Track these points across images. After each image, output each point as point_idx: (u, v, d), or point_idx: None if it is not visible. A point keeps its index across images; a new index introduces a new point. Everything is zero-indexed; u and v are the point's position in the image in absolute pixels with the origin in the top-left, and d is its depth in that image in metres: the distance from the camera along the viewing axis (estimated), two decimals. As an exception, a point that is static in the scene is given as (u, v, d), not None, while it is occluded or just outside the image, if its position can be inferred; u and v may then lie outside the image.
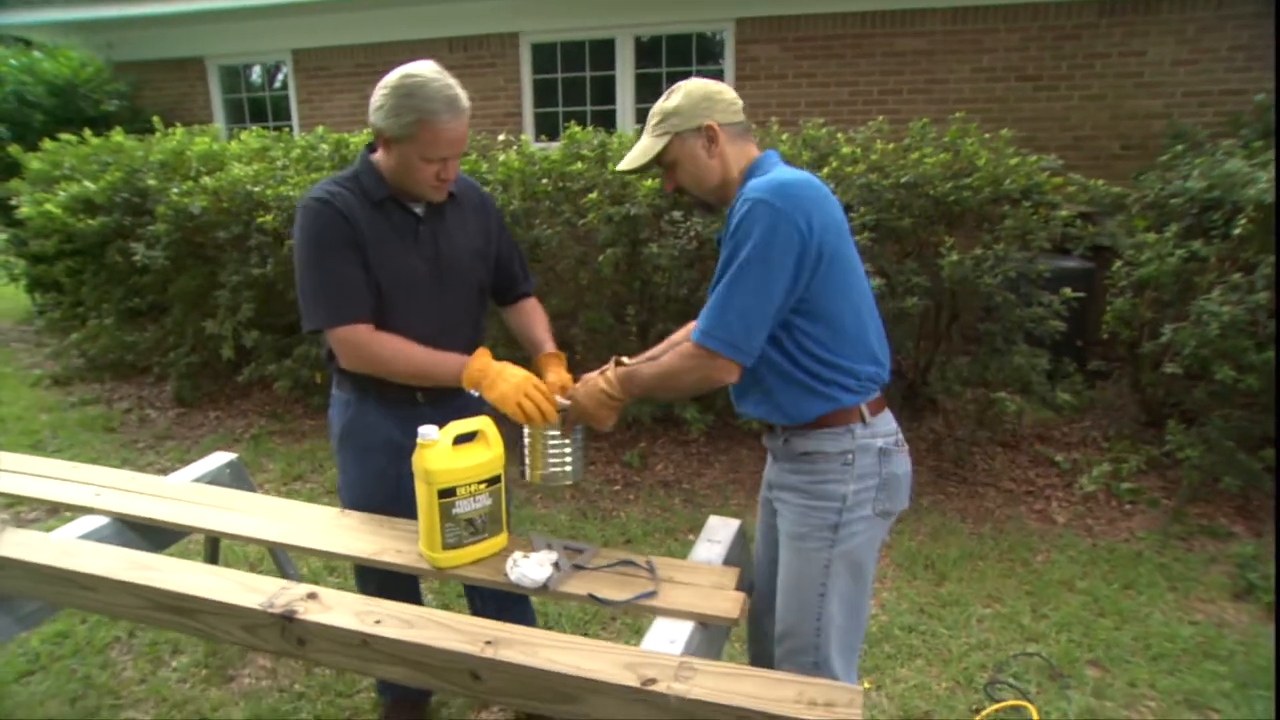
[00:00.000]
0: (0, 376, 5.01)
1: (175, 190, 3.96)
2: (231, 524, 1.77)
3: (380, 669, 1.29)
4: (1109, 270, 3.79)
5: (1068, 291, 3.25)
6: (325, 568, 2.89)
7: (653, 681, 1.14)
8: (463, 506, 1.56)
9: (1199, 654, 2.42)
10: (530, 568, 1.53)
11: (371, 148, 1.74)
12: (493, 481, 1.59)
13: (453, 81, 1.64)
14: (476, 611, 2.06)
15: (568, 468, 1.66)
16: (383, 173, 1.71)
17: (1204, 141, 4.31)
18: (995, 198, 3.29)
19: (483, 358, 1.65)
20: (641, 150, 1.56)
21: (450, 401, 1.76)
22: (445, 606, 2.52)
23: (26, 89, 6.10)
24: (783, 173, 1.44)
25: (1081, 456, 3.72)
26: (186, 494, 1.92)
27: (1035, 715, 2.09)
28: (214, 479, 2.11)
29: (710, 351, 1.41)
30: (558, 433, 1.62)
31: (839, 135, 3.68)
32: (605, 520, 3.30)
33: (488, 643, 1.24)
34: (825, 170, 3.38)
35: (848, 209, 3.36)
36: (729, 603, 1.44)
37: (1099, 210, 4.18)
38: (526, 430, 1.64)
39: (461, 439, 1.57)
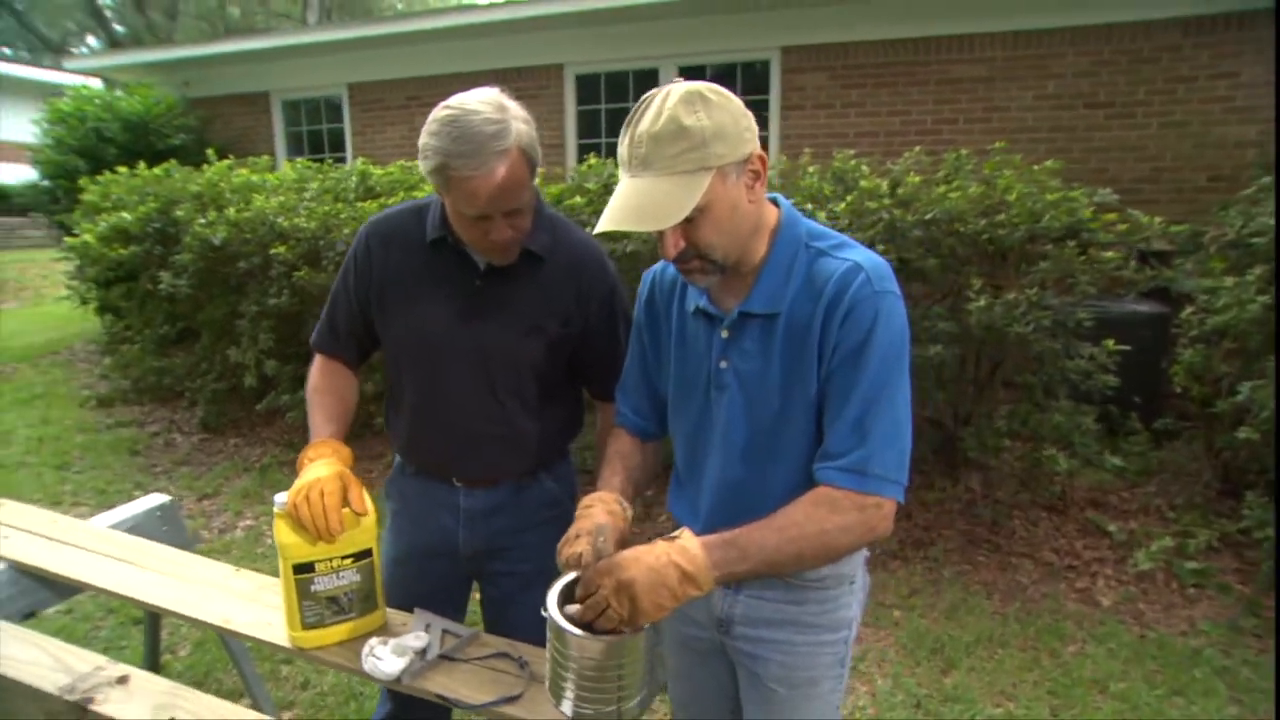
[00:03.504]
0: (55, 396, 5.25)
1: (200, 221, 4.04)
2: (116, 579, 1.67)
3: (174, 775, 1.14)
4: (1180, 317, 3.37)
5: (1110, 343, 2.86)
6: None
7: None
8: (323, 583, 1.40)
9: (1255, 789, 2.01)
10: (386, 657, 1.35)
11: None
12: (360, 556, 1.43)
13: (508, 117, 1.28)
14: None
15: (609, 692, 1.08)
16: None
17: (1296, 173, 3.81)
18: (1033, 236, 2.96)
19: (319, 445, 1.42)
20: (666, 198, 1.01)
21: (503, 495, 1.54)
22: None
23: (104, 125, 6.49)
24: (857, 245, 1.14)
25: (1140, 527, 3.28)
26: (91, 542, 1.84)
27: None
28: (139, 524, 2.03)
29: (878, 499, 1.04)
30: (589, 640, 1.04)
31: (863, 166, 3.41)
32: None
33: (274, 760, 1.06)
34: (843, 204, 3.13)
35: (869, 246, 3.09)
36: (596, 718, 1.21)
37: (1178, 249, 3.74)
38: (548, 633, 1.11)
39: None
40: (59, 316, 7.22)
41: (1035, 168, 3.26)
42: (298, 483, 1.36)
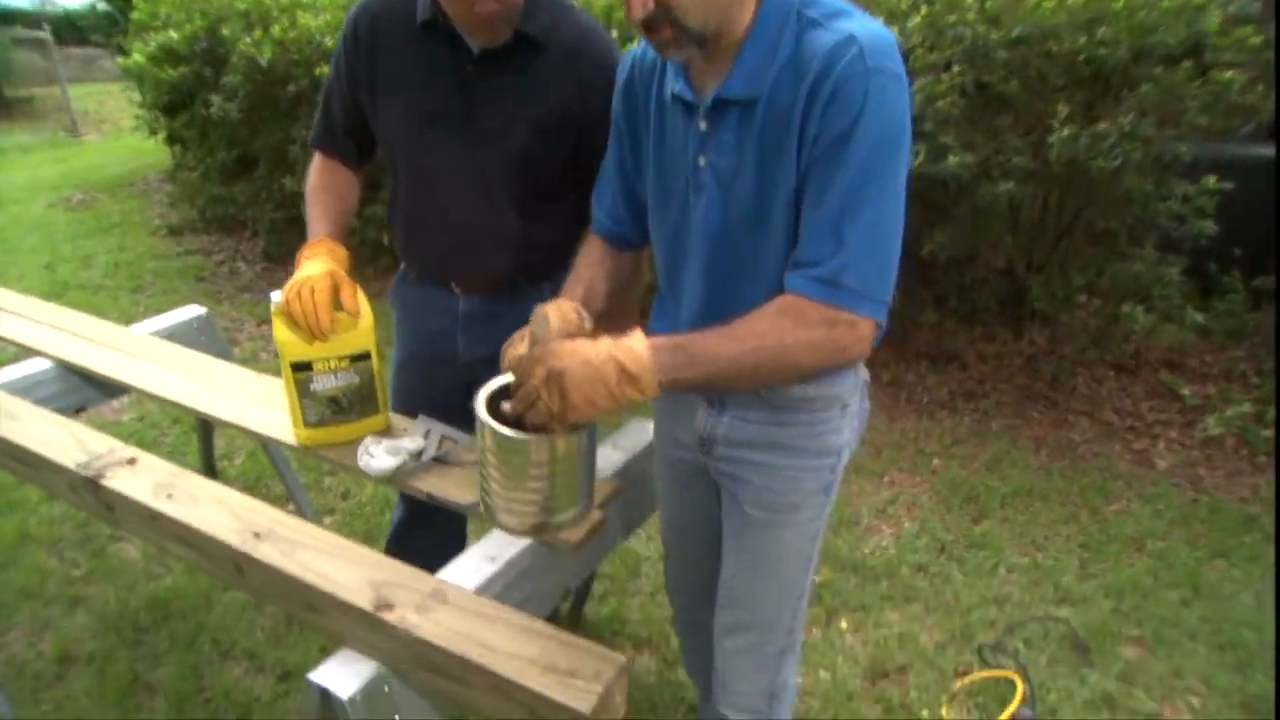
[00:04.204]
0: (131, 224, 5.45)
1: (246, 40, 3.93)
2: (149, 380, 1.73)
3: (174, 548, 1.19)
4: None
5: (1211, 181, 2.53)
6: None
7: (389, 607, 0.95)
8: (321, 383, 1.40)
9: (1288, 650, 1.93)
10: (379, 455, 1.36)
11: None
12: (359, 359, 1.42)
13: None
14: None
15: (534, 500, 0.98)
16: None
17: None
18: (1139, 55, 2.57)
19: (315, 244, 1.38)
20: None
21: (501, 301, 1.49)
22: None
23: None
24: (860, 15, 0.92)
25: (1217, 392, 3.06)
26: (132, 346, 1.91)
27: (1020, 689, 1.75)
28: (176, 332, 2.10)
29: (851, 316, 0.91)
30: (511, 435, 0.94)
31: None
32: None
33: (255, 534, 1.10)
34: (918, 18, 2.78)
35: (945, 67, 2.78)
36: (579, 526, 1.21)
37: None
38: (476, 433, 1.00)
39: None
40: (135, 149, 7.40)
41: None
42: (290, 280, 1.34)
